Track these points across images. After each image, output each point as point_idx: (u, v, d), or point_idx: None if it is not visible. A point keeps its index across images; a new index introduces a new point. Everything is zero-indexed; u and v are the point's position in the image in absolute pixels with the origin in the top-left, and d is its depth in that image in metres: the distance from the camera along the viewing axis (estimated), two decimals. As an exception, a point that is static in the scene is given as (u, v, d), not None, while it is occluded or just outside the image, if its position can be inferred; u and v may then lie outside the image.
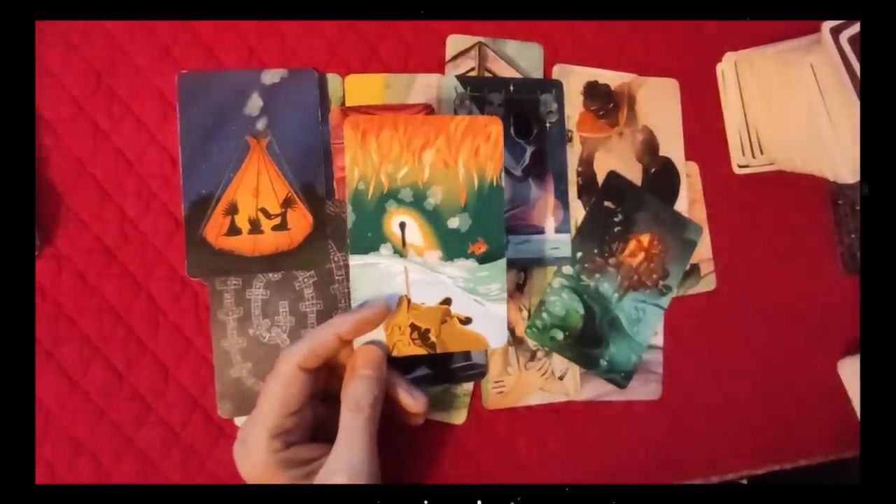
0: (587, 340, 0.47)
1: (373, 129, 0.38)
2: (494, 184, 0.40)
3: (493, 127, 0.39)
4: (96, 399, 0.41)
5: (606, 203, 0.48)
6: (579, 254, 0.47)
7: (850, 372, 0.53)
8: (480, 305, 0.40)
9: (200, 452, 0.42)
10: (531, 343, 0.47)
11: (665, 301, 0.49)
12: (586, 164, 0.48)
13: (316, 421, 0.38)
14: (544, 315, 0.47)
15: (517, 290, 0.47)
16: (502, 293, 0.40)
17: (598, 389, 0.48)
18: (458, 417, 0.46)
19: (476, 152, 0.39)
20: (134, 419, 0.41)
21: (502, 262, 0.40)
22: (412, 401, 0.39)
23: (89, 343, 0.41)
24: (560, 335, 0.47)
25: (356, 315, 0.37)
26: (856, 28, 0.41)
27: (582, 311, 0.47)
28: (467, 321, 0.40)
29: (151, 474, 0.42)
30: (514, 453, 0.47)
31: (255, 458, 0.36)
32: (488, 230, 0.40)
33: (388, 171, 0.38)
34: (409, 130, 0.38)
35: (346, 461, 0.35)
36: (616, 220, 0.48)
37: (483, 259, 0.40)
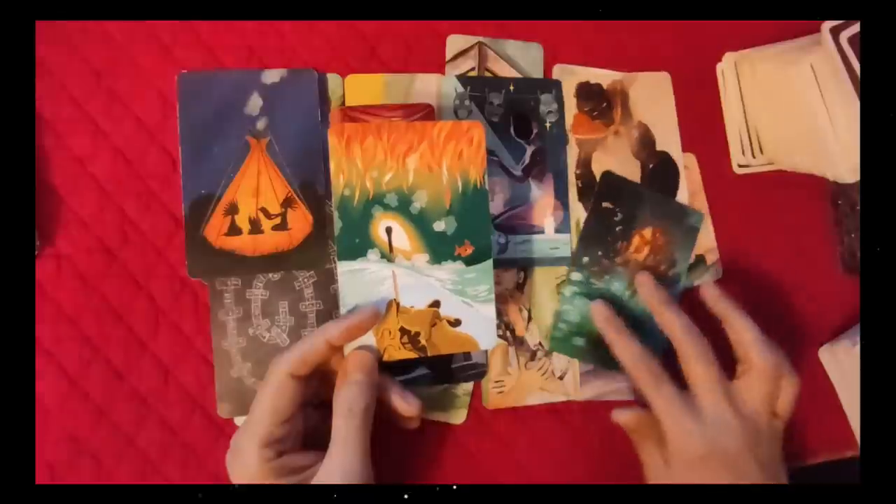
0: None
1: (357, 136, 0.38)
2: (478, 186, 0.40)
3: (475, 131, 0.40)
4: (96, 399, 0.41)
5: (605, 204, 0.48)
6: (585, 258, 0.47)
7: (830, 358, 0.53)
8: (469, 307, 0.40)
9: (200, 452, 0.42)
10: (531, 343, 0.47)
11: (677, 289, 0.49)
12: (584, 165, 0.48)
13: (308, 428, 0.38)
14: (561, 325, 0.47)
15: (517, 289, 0.47)
16: (490, 294, 0.40)
17: (598, 389, 0.48)
18: (458, 417, 0.46)
19: (459, 156, 0.39)
20: (134, 419, 0.41)
21: (489, 264, 0.40)
22: (405, 405, 0.38)
23: (89, 343, 0.41)
24: (581, 342, 0.47)
25: (346, 322, 0.37)
26: (856, 28, 0.41)
27: None
28: (457, 323, 0.40)
29: (151, 474, 0.42)
30: (514, 453, 0.47)
31: (248, 467, 0.35)
32: (474, 232, 0.40)
33: (372, 176, 0.38)
34: (392, 137, 0.39)
35: (340, 468, 0.35)
36: (616, 219, 0.48)
37: (470, 261, 0.40)
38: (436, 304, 0.40)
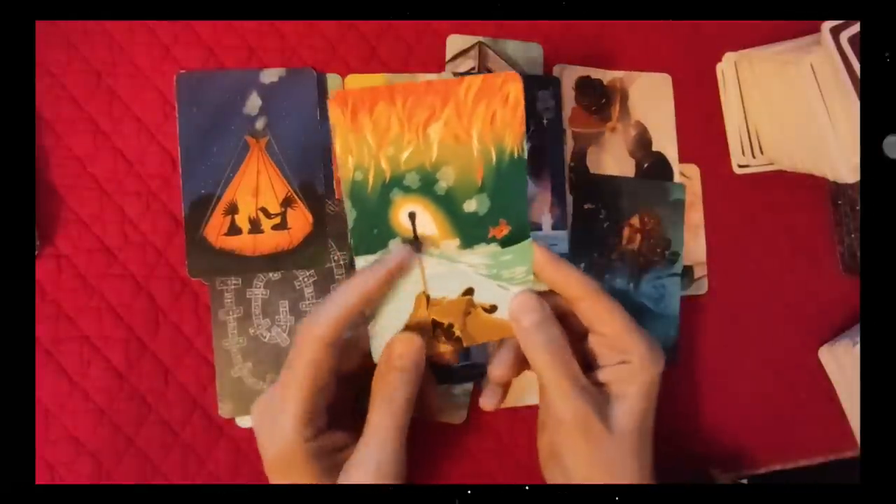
0: None
1: (364, 105, 0.32)
2: (516, 155, 0.34)
3: (512, 86, 0.32)
4: (96, 399, 0.41)
5: (586, 205, 0.48)
6: (582, 264, 0.47)
7: (830, 358, 0.53)
8: (505, 290, 0.36)
9: (200, 452, 0.42)
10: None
11: (678, 267, 0.48)
12: (578, 159, 0.48)
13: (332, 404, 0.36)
14: None
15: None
16: (528, 276, 0.36)
17: (598, 389, 0.48)
18: (458, 417, 0.46)
19: (492, 120, 0.33)
20: (134, 419, 0.41)
21: (528, 243, 0.35)
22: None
23: (89, 343, 0.41)
24: None
25: (382, 269, 0.33)
26: (856, 28, 0.41)
27: None
28: (493, 309, 0.36)
29: (151, 474, 0.42)
30: (514, 453, 0.47)
31: (284, 447, 0.33)
32: (510, 210, 0.34)
33: (388, 154, 0.33)
34: (409, 102, 0.32)
35: (374, 458, 0.33)
36: (601, 216, 0.48)
37: (506, 242, 0.35)
38: (469, 291, 0.36)
